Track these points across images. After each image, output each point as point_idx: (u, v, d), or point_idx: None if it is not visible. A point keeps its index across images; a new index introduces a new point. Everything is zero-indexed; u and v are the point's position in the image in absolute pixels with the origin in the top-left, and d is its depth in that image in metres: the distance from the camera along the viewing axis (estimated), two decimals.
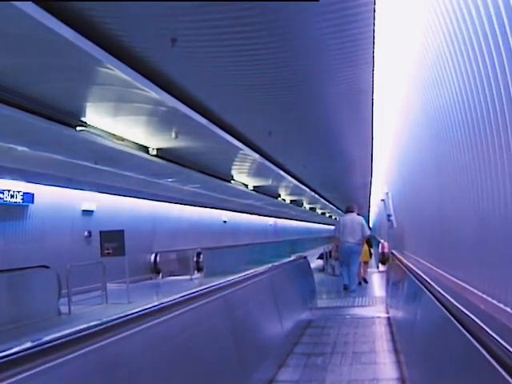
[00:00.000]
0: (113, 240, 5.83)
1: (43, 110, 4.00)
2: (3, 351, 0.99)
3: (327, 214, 23.89)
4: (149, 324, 1.56)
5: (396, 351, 3.06)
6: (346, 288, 6.05)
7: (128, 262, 5.92)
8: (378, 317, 4.32)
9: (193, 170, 7.22)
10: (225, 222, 14.53)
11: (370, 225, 16.98)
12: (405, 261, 3.82)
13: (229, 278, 2.60)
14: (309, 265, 5.50)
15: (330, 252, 8.22)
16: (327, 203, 17.04)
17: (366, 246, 7.25)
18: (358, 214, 6.45)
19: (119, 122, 4.71)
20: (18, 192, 6.80)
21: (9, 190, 6.67)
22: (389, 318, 4.15)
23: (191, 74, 3.73)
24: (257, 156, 6.86)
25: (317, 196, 13.96)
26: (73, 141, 4.78)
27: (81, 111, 4.33)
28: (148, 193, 9.27)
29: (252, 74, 3.75)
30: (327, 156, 8.07)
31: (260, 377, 2.56)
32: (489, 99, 1.21)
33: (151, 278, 9.73)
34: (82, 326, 1.26)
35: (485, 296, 1.42)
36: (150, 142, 5.69)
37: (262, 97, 4.38)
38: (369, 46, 3.08)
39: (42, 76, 3.40)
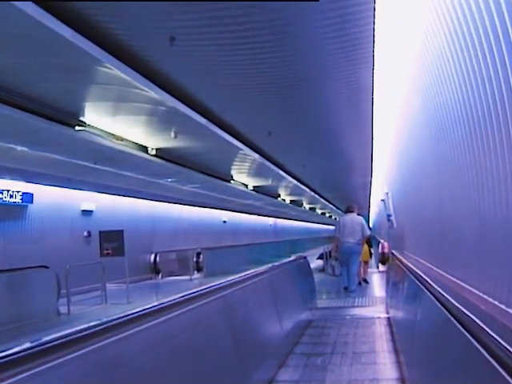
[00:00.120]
0: (112, 240, 5.82)
1: (42, 109, 4.00)
2: (2, 351, 0.98)
3: (327, 214, 23.89)
4: (148, 324, 1.56)
5: (396, 351, 3.06)
6: (346, 289, 6.05)
7: (127, 262, 5.91)
8: (378, 317, 4.32)
9: (192, 170, 7.21)
10: (224, 222, 14.53)
11: (370, 225, 16.98)
12: (405, 261, 3.82)
13: (229, 278, 2.60)
14: (309, 265, 5.50)
15: (330, 252, 8.22)
16: (327, 203, 17.04)
17: (366, 246, 7.25)
18: (358, 214, 6.45)
19: (118, 121, 4.71)
20: (18, 192, 6.80)
21: (8, 190, 6.66)
22: (389, 319, 4.15)
23: (191, 74, 3.73)
24: (256, 156, 6.86)
25: (317, 196, 13.96)
26: (72, 141, 4.78)
27: (80, 111, 4.32)
28: (147, 193, 9.26)
29: (252, 73, 3.75)
30: (327, 156, 8.06)
31: (260, 377, 2.56)
32: (490, 98, 1.21)
33: (151, 278, 9.73)
34: (81, 327, 1.26)
35: (485, 297, 1.41)
36: (149, 141, 5.68)
37: (262, 96, 4.37)
38: (369, 45, 3.08)
39: (40, 76, 3.39)
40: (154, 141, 5.64)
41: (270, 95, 4.36)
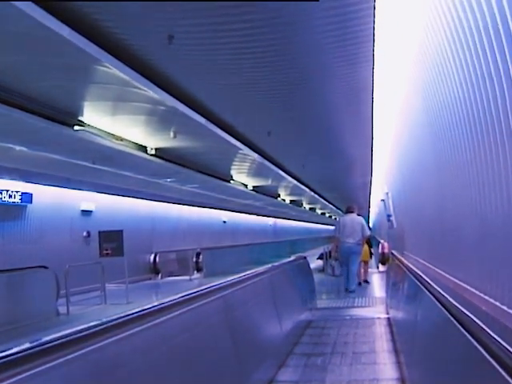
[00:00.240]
0: (111, 240, 5.81)
1: (41, 109, 3.99)
2: (2, 352, 0.98)
3: (327, 214, 23.90)
4: (148, 324, 1.55)
5: (396, 351, 3.06)
6: (347, 290, 6.05)
7: (127, 263, 5.90)
8: (378, 317, 4.31)
9: (192, 170, 7.21)
10: (224, 222, 14.52)
11: (370, 225, 16.99)
12: (405, 261, 3.82)
13: (228, 279, 2.59)
14: (308, 265, 5.49)
15: (330, 252, 8.22)
16: (327, 203, 17.04)
17: (366, 247, 7.26)
18: (359, 215, 6.44)
19: (117, 121, 4.70)
20: (17, 192, 6.78)
21: (7, 190, 6.65)
22: (389, 319, 4.15)
23: (190, 73, 3.72)
24: (256, 156, 6.85)
25: (316, 196, 13.96)
26: (70, 140, 4.76)
27: (79, 110, 4.31)
28: (147, 193, 9.25)
29: (251, 73, 3.74)
30: (327, 156, 8.06)
31: (260, 377, 2.55)
32: (490, 95, 1.20)
33: (150, 279, 9.72)
34: (80, 327, 1.25)
35: (486, 297, 1.41)
36: (148, 141, 5.67)
37: (262, 96, 4.37)
38: (369, 44, 3.08)
39: (39, 75, 3.38)
40: (154, 141, 5.63)
41: (270, 95, 4.35)
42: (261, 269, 3.41)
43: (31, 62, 3.13)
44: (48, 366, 1.06)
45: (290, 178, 9.51)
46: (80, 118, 4.48)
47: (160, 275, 9.95)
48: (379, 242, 9.59)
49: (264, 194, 11.20)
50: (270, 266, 3.70)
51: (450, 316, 1.43)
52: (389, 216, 6.04)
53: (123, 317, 1.45)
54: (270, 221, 19.44)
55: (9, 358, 0.98)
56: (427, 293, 1.98)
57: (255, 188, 10.37)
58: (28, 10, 2.37)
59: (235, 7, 2.58)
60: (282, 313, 3.35)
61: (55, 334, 1.15)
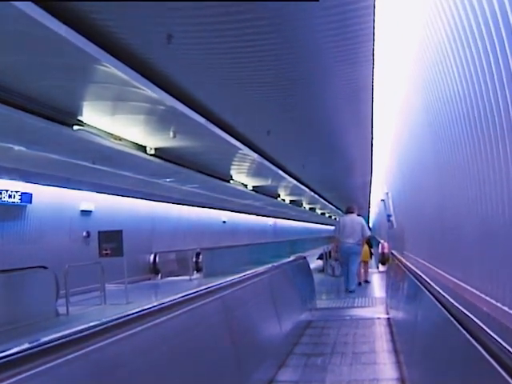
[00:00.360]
0: (111, 240, 5.80)
1: (40, 108, 3.98)
2: (1, 352, 0.98)
3: (327, 215, 23.90)
4: (147, 325, 1.55)
5: (396, 351, 3.05)
6: (347, 290, 6.04)
7: (127, 263, 5.89)
8: (378, 318, 4.31)
9: (191, 170, 7.20)
10: (224, 222, 14.52)
11: (370, 225, 17.00)
12: (405, 261, 3.81)
13: (228, 279, 2.59)
14: (308, 265, 5.49)
15: (330, 252, 8.22)
16: (327, 203, 17.04)
17: (366, 247, 7.26)
18: (359, 215, 6.44)
19: (117, 121, 4.69)
20: (16, 192, 6.78)
21: (7, 190, 6.64)
22: (389, 319, 4.14)
23: (189, 73, 3.72)
24: (256, 156, 6.85)
25: (316, 196, 13.95)
26: (70, 140, 4.76)
27: (78, 110, 4.30)
28: (147, 193, 9.25)
29: (251, 72, 3.74)
30: (327, 156, 8.06)
31: (260, 377, 2.55)
32: (491, 93, 1.19)
33: (150, 279, 9.71)
34: (79, 327, 1.25)
35: (487, 298, 1.40)
36: (147, 141, 5.67)
37: (262, 96, 4.36)
38: (369, 43, 3.07)
39: (38, 75, 3.38)
40: (153, 140, 5.62)
41: (270, 94, 4.35)
42: (260, 269, 3.41)
43: (30, 62, 3.12)
44: (47, 366, 1.06)
45: (289, 178, 9.51)
46: (79, 118, 4.47)
47: (160, 275, 9.95)
48: (379, 242, 9.59)
49: (264, 194, 11.19)
50: (269, 266, 3.70)
51: (449, 316, 1.43)
52: (389, 216, 6.04)
53: (122, 317, 1.45)
54: (270, 221, 19.44)
55: (8, 359, 0.98)
56: (427, 293, 1.98)
57: (255, 188, 10.37)
58: (27, 9, 2.36)
59: (235, 7, 2.57)
60: (281, 313, 3.35)
61: (54, 335, 1.15)
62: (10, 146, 5.00)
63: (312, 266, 6.40)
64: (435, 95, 1.92)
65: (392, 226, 5.99)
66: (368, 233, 6.40)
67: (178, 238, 11.10)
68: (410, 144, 3.16)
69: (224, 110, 4.80)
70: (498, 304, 1.29)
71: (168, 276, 9.81)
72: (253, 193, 10.53)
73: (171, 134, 5.12)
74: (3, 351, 0.99)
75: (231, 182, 8.89)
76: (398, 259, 4.35)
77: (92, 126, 4.68)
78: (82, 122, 4.51)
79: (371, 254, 8.38)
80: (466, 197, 1.65)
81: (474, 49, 1.28)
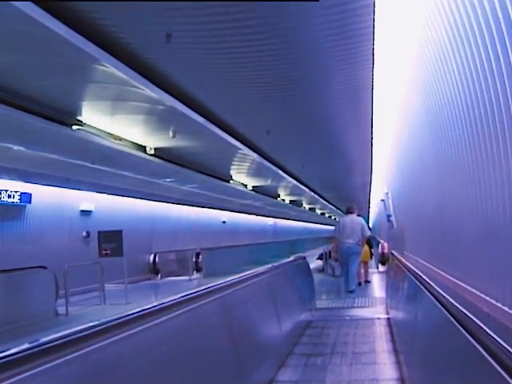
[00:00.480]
0: (111, 240, 5.80)
1: (39, 108, 3.97)
2: (0, 352, 0.97)
3: (327, 215, 23.90)
4: (147, 325, 1.54)
5: (396, 352, 3.05)
6: (347, 290, 6.04)
7: (126, 263, 5.89)
8: (378, 318, 4.30)
9: (191, 170, 7.20)
10: (224, 222, 14.51)
11: (370, 225, 17.00)
12: (405, 261, 3.81)
13: (228, 279, 2.58)
14: (308, 265, 5.48)
15: (330, 252, 8.21)
16: (327, 203, 17.05)
17: (366, 247, 7.26)
18: (359, 215, 6.45)
19: (116, 120, 4.69)
20: (16, 192, 6.77)
21: (6, 190, 6.64)
22: (389, 319, 4.14)
23: (189, 73, 3.71)
24: (256, 156, 6.84)
25: (316, 196, 13.95)
26: (69, 140, 4.75)
27: (77, 110, 4.30)
28: (146, 193, 9.24)
29: (251, 72, 3.74)
30: (327, 155, 8.06)
31: (260, 377, 2.55)
32: (492, 92, 1.19)
33: (150, 279, 9.70)
34: (78, 328, 1.25)
35: (487, 298, 1.40)
36: (147, 141, 5.66)
37: (261, 96, 4.36)
38: (369, 43, 3.07)
39: (37, 74, 3.37)
40: (153, 140, 5.62)
41: (269, 94, 4.35)
42: (260, 269, 3.41)
43: (29, 62, 3.12)
44: (45, 367, 1.05)
45: (289, 178, 9.51)
46: (78, 118, 4.46)
47: (159, 275, 9.94)
48: (379, 242, 9.59)
49: (264, 194, 11.19)
50: (269, 266, 3.70)
51: (449, 316, 1.43)
52: (389, 216, 6.04)
53: (122, 317, 1.45)
54: (270, 221, 19.43)
55: (7, 359, 0.98)
56: (427, 293, 1.98)
57: (255, 188, 10.37)
58: (26, 9, 2.36)
59: (234, 6, 2.57)
60: (281, 313, 3.35)
61: (54, 335, 1.15)
62: (10, 145, 4.99)
63: (312, 266, 6.39)
64: (435, 95, 1.92)
65: (392, 226, 5.99)
66: (368, 233, 6.40)
67: (177, 238, 11.10)
68: (410, 143, 3.15)
69: (224, 109, 4.79)
70: (498, 304, 1.29)
71: (168, 276, 9.81)
72: (253, 193, 10.53)
73: (171, 133, 5.11)
74: (3, 351, 0.98)
75: (231, 181, 8.89)
76: (398, 259, 4.35)
77: (91, 126, 4.67)
78: (81, 121, 4.51)
79: (371, 254, 8.39)
80: (466, 196, 1.65)
81: (474, 47, 1.28)
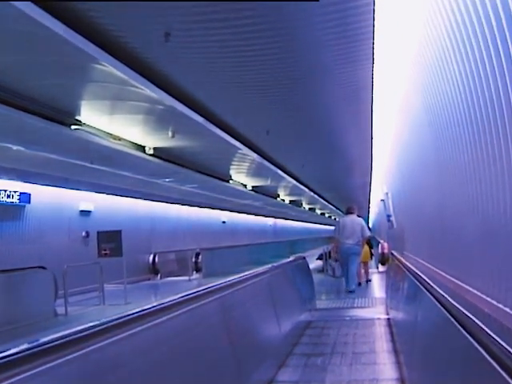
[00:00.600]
0: (110, 240, 5.79)
1: (38, 108, 3.96)
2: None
3: (327, 215, 23.91)
4: (146, 325, 1.54)
5: (396, 352, 3.05)
6: (348, 290, 6.04)
7: (126, 263, 5.88)
8: (378, 318, 4.30)
9: (190, 170, 7.19)
10: (224, 222, 14.51)
11: (370, 225, 17.00)
12: (405, 261, 3.81)
13: (228, 279, 2.58)
14: (308, 265, 5.48)
15: (330, 252, 8.22)
16: (326, 203, 17.04)
17: (366, 247, 7.26)
18: (359, 216, 6.45)
19: (115, 120, 4.68)
20: (15, 192, 6.76)
21: (5, 190, 6.62)
22: (388, 320, 4.13)
23: (188, 73, 3.71)
24: (255, 156, 6.84)
25: (316, 196, 13.95)
26: (68, 140, 4.74)
27: (76, 110, 4.29)
28: (146, 193, 9.24)
29: (250, 72, 3.73)
30: (327, 155, 8.05)
31: (260, 377, 2.55)
32: (493, 92, 1.18)
33: (149, 279, 9.70)
34: (77, 328, 1.24)
35: (488, 299, 1.39)
36: (146, 141, 5.66)
37: (261, 95, 4.36)
38: (368, 42, 3.06)
39: (36, 74, 3.36)
40: (152, 140, 5.61)
41: (269, 94, 4.34)
42: (260, 269, 3.41)
43: (28, 61, 3.11)
44: (46, 367, 1.05)
45: (289, 178, 9.51)
46: (77, 118, 4.45)
47: (159, 275, 9.93)
48: (379, 243, 9.59)
49: (263, 194, 11.19)
50: (269, 266, 3.69)
51: (449, 317, 1.42)
52: (388, 216, 6.04)
53: (121, 317, 1.44)
54: (270, 221, 19.43)
55: (7, 359, 0.97)
56: (427, 293, 1.97)
57: (254, 188, 10.36)
58: (25, 9, 2.35)
59: (234, 6, 2.56)
60: (281, 313, 3.34)
61: (53, 335, 1.15)
62: (9, 145, 4.98)
63: (311, 266, 6.39)
64: (435, 93, 1.91)
65: (392, 226, 5.99)
66: (368, 233, 6.40)
67: (177, 238, 11.09)
68: (410, 143, 3.15)
69: (223, 109, 4.79)
70: (500, 305, 1.28)
71: (167, 276, 9.80)
72: (252, 193, 10.52)
73: (170, 133, 5.10)
74: (2, 352, 0.98)
75: (230, 181, 8.88)
76: (398, 259, 4.35)
77: (90, 126, 4.66)
78: (80, 121, 4.50)
79: (371, 254, 8.39)
80: (466, 195, 1.64)
81: (475, 46, 1.27)
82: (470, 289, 1.66)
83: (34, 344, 1.08)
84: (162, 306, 1.73)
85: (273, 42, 3.09)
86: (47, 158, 5.55)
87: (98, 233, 5.97)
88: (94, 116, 4.49)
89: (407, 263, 3.54)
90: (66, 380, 1.13)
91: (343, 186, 13.04)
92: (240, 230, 15.71)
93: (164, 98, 3.95)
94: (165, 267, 10.11)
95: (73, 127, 4.46)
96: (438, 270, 2.45)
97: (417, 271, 2.74)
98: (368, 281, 7.16)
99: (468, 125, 1.49)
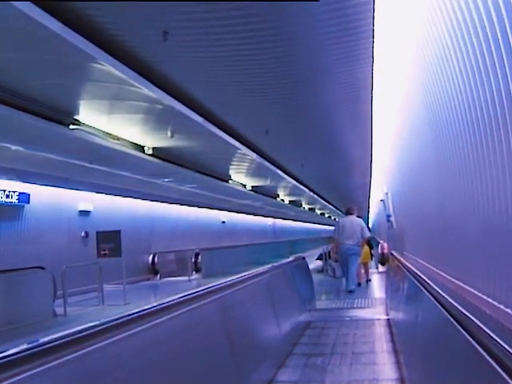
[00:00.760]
0: (109, 241, 5.77)
1: (36, 107, 3.95)
2: None
3: (326, 215, 23.92)
4: (146, 326, 1.54)
5: (395, 352, 3.04)
6: (348, 291, 6.04)
7: (125, 263, 5.87)
8: (378, 319, 4.30)
9: (190, 170, 7.18)
10: (223, 222, 14.50)
11: (370, 225, 17.00)
12: (404, 261, 3.80)
13: (227, 279, 2.58)
14: (307, 266, 5.48)
15: (329, 253, 8.22)
16: (326, 203, 17.05)
17: (367, 248, 7.26)
18: (358, 216, 6.45)
19: (114, 120, 4.67)
20: (14, 192, 6.75)
21: (4, 190, 6.61)
22: (388, 320, 4.13)
23: (187, 72, 3.70)
24: (255, 155, 6.83)
25: (316, 196, 13.95)
26: (66, 139, 4.73)
27: (74, 109, 4.28)
28: (145, 193, 9.23)
29: (249, 71, 3.72)
30: (326, 155, 8.05)
31: (260, 377, 2.54)
32: (494, 90, 1.17)
33: (149, 279, 9.69)
34: (77, 328, 1.24)
35: (489, 299, 1.39)
36: (145, 141, 5.65)
37: (260, 95, 4.35)
38: (368, 40, 3.05)
39: (34, 73, 3.35)
40: (151, 140, 5.60)
41: (269, 94, 4.34)
42: (259, 269, 3.40)
43: (26, 61, 3.10)
44: (45, 367, 1.05)
45: (288, 178, 9.50)
46: (76, 117, 4.44)
47: (159, 276, 9.92)
48: (378, 243, 9.59)
49: (263, 194, 11.18)
50: (268, 266, 3.69)
51: (449, 317, 1.42)
52: (388, 216, 6.04)
53: (120, 318, 1.44)
54: (269, 221, 19.43)
55: (6, 360, 0.97)
56: (427, 293, 1.97)
57: (254, 188, 10.36)
58: (24, 8, 2.34)
59: (233, 5, 2.56)
60: (280, 313, 3.34)
61: (52, 335, 1.14)
62: (7, 145, 4.97)
63: (311, 266, 6.39)
64: (435, 92, 1.90)
65: (392, 226, 5.98)
66: (367, 234, 6.40)
67: (176, 238, 11.08)
68: (410, 142, 3.14)
69: (222, 109, 4.78)
70: (501, 306, 1.28)
71: (167, 276, 9.79)
72: (252, 193, 10.52)
73: (169, 133, 5.10)
74: (1, 352, 0.97)
75: (230, 182, 8.88)
76: (398, 260, 4.34)
77: (89, 126, 4.65)
78: (78, 121, 4.49)
79: (371, 255, 8.38)
80: (466, 194, 1.64)
81: (476, 44, 1.26)
82: (470, 289, 1.65)
83: (33, 344, 1.07)
84: (162, 306, 1.73)
85: (272, 41, 3.08)
86: (46, 158, 5.53)
87: (97, 233, 5.96)
88: (92, 116, 4.48)
89: (407, 263, 3.54)
90: (65, 380, 1.13)
91: (343, 186, 13.04)
92: (239, 230, 15.71)
93: (163, 97, 3.94)
94: (164, 267, 10.10)
95: (71, 127, 4.45)
96: (437, 271, 2.44)
97: (417, 271, 2.73)
98: (368, 281, 7.17)
99: (469, 123, 1.49)
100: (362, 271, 7.13)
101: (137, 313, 1.54)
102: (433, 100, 1.99)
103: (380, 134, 5.49)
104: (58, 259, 6.14)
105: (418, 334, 2.12)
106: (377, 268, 9.06)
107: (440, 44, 1.64)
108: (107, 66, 3.13)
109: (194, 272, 9.35)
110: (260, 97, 4.39)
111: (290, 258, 5.20)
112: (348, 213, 6.42)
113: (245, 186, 9.88)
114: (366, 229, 6.27)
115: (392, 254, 5.68)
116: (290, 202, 14.47)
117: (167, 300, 1.81)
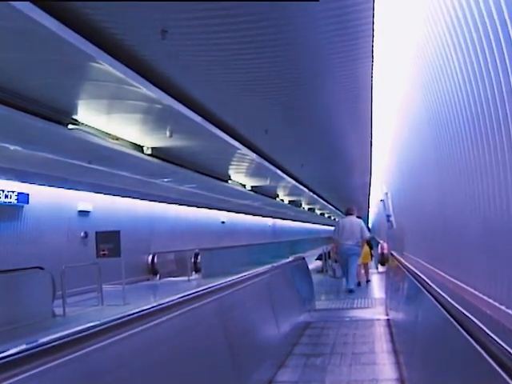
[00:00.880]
0: (108, 241, 5.76)
1: (34, 107, 3.94)
2: None
3: (326, 215, 23.92)
4: (145, 326, 1.53)
5: (395, 352, 3.04)
6: (350, 291, 6.04)
7: (125, 263, 5.86)
8: (378, 319, 4.30)
9: (189, 170, 7.18)
10: (223, 222, 14.50)
11: (370, 225, 17.00)
12: (404, 262, 3.80)
13: (227, 279, 2.57)
14: (307, 266, 5.48)
15: (329, 253, 8.22)
16: (326, 204, 17.05)
17: (367, 248, 7.27)
18: (358, 217, 6.45)
19: (112, 120, 4.66)
20: (13, 192, 6.73)
21: (3, 190, 6.60)
22: (388, 320, 4.13)
23: (186, 72, 3.69)
24: (254, 155, 6.83)
25: (315, 196, 13.95)
26: (65, 139, 4.72)
27: (73, 109, 4.26)
28: (144, 193, 9.22)
29: (249, 71, 3.72)
30: (326, 155, 8.05)
31: (260, 377, 2.54)
32: (495, 88, 1.17)
33: (148, 279, 9.68)
34: (77, 328, 1.23)
35: (490, 300, 1.38)
36: (144, 141, 5.64)
37: (260, 95, 4.34)
38: (368, 39, 3.05)
39: (32, 73, 3.34)
40: (150, 140, 5.60)
41: (268, 94, 4.33)
42: (259, 270, 3.40)
43: (24, 60, 3.09)
44: (44, 367, 1.05)
45: (288, 178, 9.50)
46: (74, 117, 4.43)
47: (158, 276, 9.91)
48: (378, 243, 9.59)
49: (262, 195, 11.18)
50: (268, 266, 3.69)
51: (449, 317, 1.42)
52: (388, 216, 6.04)
53: (120, 318, 1.43)
54: (269, 221, 19.43)
55: (4, 360, 0.96)
56: (427, 294, 1.97)
57: (253, 188, 10.35)
58: (22, 8, 2.34)
59: (233, 4, 2.55)
60: (280, 314, 3.34)
61: (52, 336, 1.14)
62: (6, 145, 4.96)
63: (311, 266, 6.39)
64: (436, 91, 1.90)
65: (391, 226, 5.98)
66: (367, 234, 6.41)
67: (176, 238, 11.07)
68: (410, 142, 3.14)
69: (222, 108, 4.77)
70: (502, 307, 1.27)
71: (166, 277, 9.78)
72: (251, 193, 10.51)
73: (168, 133, 5.09)
74: (0, 352, 0.97)
75: (229, 182, 8.87)
76: (398, 260, 4.34)
77: (88, 125, 4.64)
78: (77, 120, 4.48)
79: (371, 255, 8.38)
80: (467, 193, 1.63)
81: (477, 43, 1.26)
82: (471, 289, 1.65)
83: (32, 345, 1.07)
84: (162, 306, 1.72)
85: (271, 40, 3.08)
86: (45, 158, 5.52)
87: (96, 233, 5.95)
88: (91, 115, 4.47)
89: (407, 263, 3.54)
90: (65, 380, 1.13)
91: (343, 186, 13.04)
92: (239, 231, 15.70)
93: (162, 97, 3.93)
94: (164, 267, 10.09)
95: (70, 127, 4.44)
96: (437, 271, 2.44)
97: (416, 271, 2.73)
98: (368, 281, 7.17)
99: (469, 122, 1.48)
100: (362, 271, 7.13)
101: (136, 313, 1.54)
102: (433, 99, 1.99)
103: (380, 133, 5.49)
104: (58, 259, 6.13)
105: (417, 334, 2.12)
106: (377, 268, 9.06)
107: (440, 42, 1.63)
108: (105, 65, 3.12)
109: (194, 272, 9.35)
110: (259, 96, 4.39)
111: (290, 259, 5.20)
112: (348, 213, 6.44)
113: (244, 186, 9.87)
114: (365, 229, 6.28)
115: (392, 254, 5.68)
116: (290, 202, 14.46)
117: (167, 300, 1.80)
